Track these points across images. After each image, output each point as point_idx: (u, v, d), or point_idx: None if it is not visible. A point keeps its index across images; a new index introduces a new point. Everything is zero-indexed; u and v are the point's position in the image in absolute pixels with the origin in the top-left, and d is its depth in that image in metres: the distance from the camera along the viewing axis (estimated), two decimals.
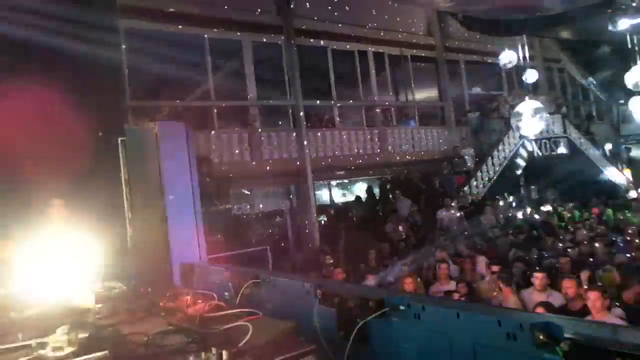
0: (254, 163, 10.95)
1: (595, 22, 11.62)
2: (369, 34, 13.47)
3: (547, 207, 13.56)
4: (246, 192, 12.63)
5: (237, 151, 10.80)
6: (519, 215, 12.17)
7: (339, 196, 16.78)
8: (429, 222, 11.48)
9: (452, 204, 11.53)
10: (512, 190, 14.29)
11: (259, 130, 11.27)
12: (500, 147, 13.70)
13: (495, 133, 14.16)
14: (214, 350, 1.38)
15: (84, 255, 2.53)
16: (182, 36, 10.51)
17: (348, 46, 13.18)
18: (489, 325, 1.36)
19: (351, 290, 1.92)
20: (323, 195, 16.39)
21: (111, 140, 4.64)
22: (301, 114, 11.60)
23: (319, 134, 12.15)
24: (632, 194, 14.89)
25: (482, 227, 10.49)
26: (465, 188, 12.82)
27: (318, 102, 12.68)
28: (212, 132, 10.56)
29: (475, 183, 12.99)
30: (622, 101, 15.69)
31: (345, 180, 16.39)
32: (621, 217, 10.19)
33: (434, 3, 12.28)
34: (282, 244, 12.20)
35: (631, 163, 18.16)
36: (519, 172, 14.30)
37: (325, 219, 14.43)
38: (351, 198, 15.13)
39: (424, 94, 15.35)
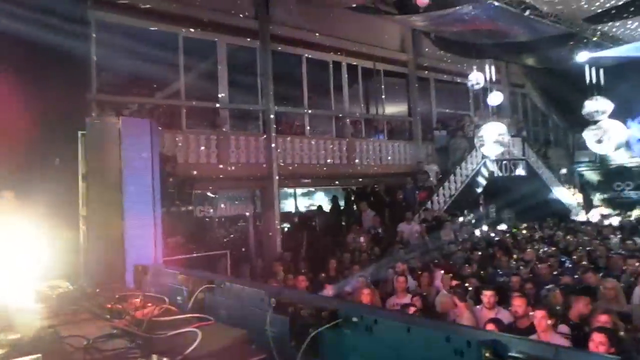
0: (220, 165, 10.82)
1: (558, 53, 12.22)
2: (344, 45, 13.63)
3: (503, 226, 14.03)
4: (210, 194, 12.44)
5: (204, 152, 10.65)
6: (477, 232, 12.53)
7: (304, 204, 16.78)
8: (390, 234, 11.63)
9: (413, 218, 11.73)
10: (472, 207, 14.70)
11: (228, 133, 11.16)
12: (463, 165, 14.09)
13: (459, 151, 14.55)
14: (155, 357, 1.33)
15: (31, 251, 2.41)
16: (156, 33, 10.32)
17: (323, 56, 13.28)
18: (438, 341, 1.38)
19: (306, 300, 1.91)
20: (288, 202, 16.35)
21: (71, 133, 4.47)
22: (271, 119, 11.57)
23: (287, 141, 12.14)
24: (582, 217, 15.61)
25: (440, 242, 10.71)
26: (428, 203, 13.08)
27: (289, 108, 12.68)
28: (180, 132, 10.37)
29: (437, 199, 13.28)
30: (577, 129, 16.49)
31: (311, 189, 16.42)
32: (570, 239, 10.62)
33: (409, 21, 12.56)
34: (243, 249, 12.06)
35: (583, 188, 19.08)
36: (479, 190, 14.73)
37: (289, 226, 14.39)
38: (316, 207, 15.17)
39: (394, 108, 15.62)
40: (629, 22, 9.83)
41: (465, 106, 17.33)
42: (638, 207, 16.67)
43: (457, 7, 9.45)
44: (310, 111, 12.94)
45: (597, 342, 3.73)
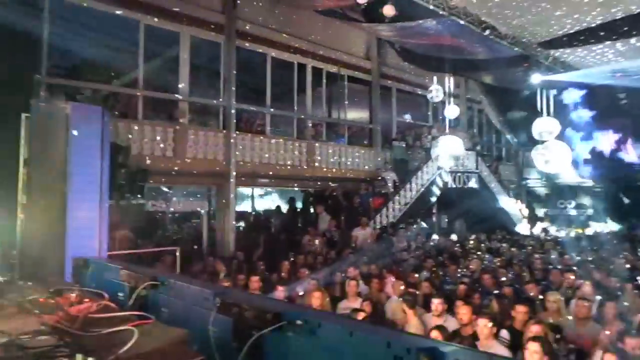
0: (176, 159, 10.54)
1: (513, 73, 12.79)
2: (310, 48, 13.66)
3: (454, 236, 14.47)
4: (165, 189, 12.10)
5: (159, 145, 10.33)
6: (429, 241, 12.84)
7: (261, 204, 16.66)
8: (345, 239, 11.72)
9: (368, 224, 11.89)
10: (426, 216, 15.08)
11: (186, 126, 10.90)
12: (419, 175, 14.44)
13: (416, 161, 14.91)
14: (79, 357, 1.25)
15: None
16: (116, 18, 9.94)
17: (288, 57, 13.25)
18: (379, 347, 1.39)
19: (250, 301, 1.87)
20: (245, 201, 16.17)
21: (14, 114, 4.21)
22: (232, 115, 11.41)
23: (247, 139, 12.00)
24: (526, 231, 16.36)
25: (393, 249, 10.90)
26: (383, 210, 13.30)
27: (251, 107, 12.55)
28: (135, 122, 10.03)
29: (392, 206, 13.52)
30: (528, 147, 17.31)
31: (269, 189, 16.33)
32: (515, 251, 11.08)
33: (375, 30, 12.77)
34: (196, 247, 11.81)
35: (529, 203, 20.04)
36: (433, 200, 15.14)
37: (244, 225, 14.23)
38: (273, 207, 15.09)
39: (356, 114, 15.81)
40: (579, 49, 10.46)
41: (424, 117, 17.81)
42: (576, 224, 17.68)
43: (422, 21, 9.70)
44: (272, 110, 12.86)
45: (532, 350, 3.91)
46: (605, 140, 17.50)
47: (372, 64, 15.45)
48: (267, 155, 12.29)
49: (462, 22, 8.81)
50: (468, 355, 1.26)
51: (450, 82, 10.81)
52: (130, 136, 9.63)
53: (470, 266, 8.95)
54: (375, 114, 15.53)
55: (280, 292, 6.57)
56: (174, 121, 10.86)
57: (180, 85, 10.95)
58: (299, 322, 1.67)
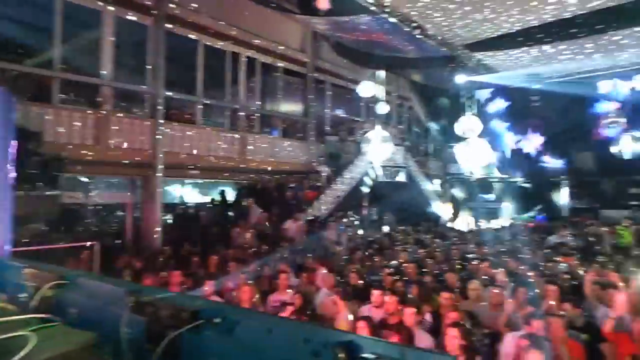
0: (97, 148, 9.87)
1: (440, 73, 13.41)
2: (245, 37, 13.37)
3: (384, 229, 14.94)
4: (84, 179, 11.31)
5: (78, 132, 9.62)
6: (360, 233, 13.15)
7: (191, 197, 16.13)
8: (277, 232, 11.68)
9: (300, 217, 11.94)
10: (356, 209, 15.42)
11: (109, 113, 10.23)
12: (351, 169, 14.72)
13: (348, 155, 15.18)
14: None
15: None
16: None
17: (221, 45, 12.87)
18: (297, 343, 1.38)
19: (167, 299, 1.78)
20: (173, 193, 15.58)
21: None
22: (160, 103, 10.88)
23: (176, 128, 11.52)
24: (449, 223, 17.31)
25: (324, 241, 11.04)
26: (316, 203, 13.41)
27: (180, 95, 12.05)
28: (50, 107, 9.24)
29: (325, 199, 13.67)
30: (452, 144, 18.27)
31: (200, 181, 15.84)
32: (438, 243, 11.65)
33: (310, 23, 12.76)
34: (118, 242, 11.19)
35: (453, 197, 21.20)
36: (363, 193, 15.51)
37: (172, 218, 13.71)
38: (203, 200, 14.68)
39: (290, 107, 15.76)
40: (499, 53, 11.18)
41: (357, 112, 18.15)
42: (494, 216, 18.99)
43: (355, 16, 9.84)
44: (203, 100, 12.45)
45: (451, 335, 4.15)
46: (522, 139, 18.91)
47: (307, 56, 15.46)
48: (197, 146, 11.89)
49: (393, 19, 9.06)
50: (382, 347, 1.28)
51: (382, 78, 11.08)
52: (44, 122, 8.86)
53: (400, 258, 9.27)
54: (310, 107, 15.58)
55: (208, 288, 6.41)
56: (95, 107, 10.14)
57: (103, 69, 10.25)
58: (217, 320, 1.61)
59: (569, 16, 8.55)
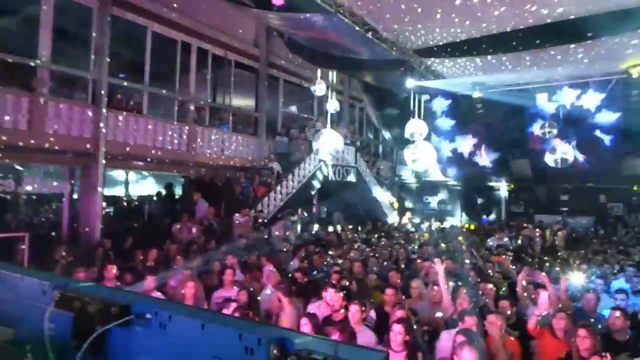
0: (32, 135, 9.26)
1: (391, 76, 13.71)
2: (196, 27, 13.02)
3: (332, 227, 15.08)
4: (18, 167, 10.60)
5: (10, 117, 8.97)
6: (309, 231, 13.20)
7: (136, 189, 15.53)
8: (225, 227, 11.49)
9: (249, 213, 11.81)
10: (306, 207, 15.48)
11: (46, 97, 9.61)
12: (302, 166, 14.73)
13: (300, 153, 15.18)
14: None
15: None
16: None
17: (172, 34, 12.46)
18: (231, 339, 1.36)
19: (94, 293, 1.70)
20: (117, 185, 14.95)
21: None
22: (103, 90, 10.37)
23: (121, 117, 11.03)
24: (396, 222, 17.77)
25: (272, 238, 10.99)
26: (265, 199, 13.31)
27: (126, 82, 11.54)
28: None
29: (274, 195, 13.60)
30: (402, 146, 18.73)
31: (145, 173, 15.29)
32: (384, 242, 11.93)
33: (265, 18, 12.63)
34: (53, 233, 10.58)
35: (400, 198, 21.79)
36: (314, 191, 15.59)
37: (115, 210, 13.16)
38: (149, 193, 14.18)
39: (242, 101, 15.53)
40: (446, 61, 11.60)
41: (309, 110, 18.20)
42: (437, 218, 19.69)
43: (309, 14, 9.85)
44: (150, 89, 11.99)
45: (396, 331, 4.27)
46: (465, 144, 19.72)
47: (261, 51, 15.29)
48: (142, 137, 11.45)
49: (346, 20, 9.15)
50: (315, 342, 1.28)
51: (333, 77, 11.17)
52: None
53: (350, 254, 9.40)
54: (262, 103, 15.43)
55: (149, 283, 6.20)
56: (31, 91, 9.49)
57: (40, 51, 9.62)
58: (148, 315, 1.56)
59: (510, 30, 9.05)
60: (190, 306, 3.44)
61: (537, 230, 14.63)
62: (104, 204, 11.31)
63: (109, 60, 10.52)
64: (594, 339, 4.11)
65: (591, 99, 16.17)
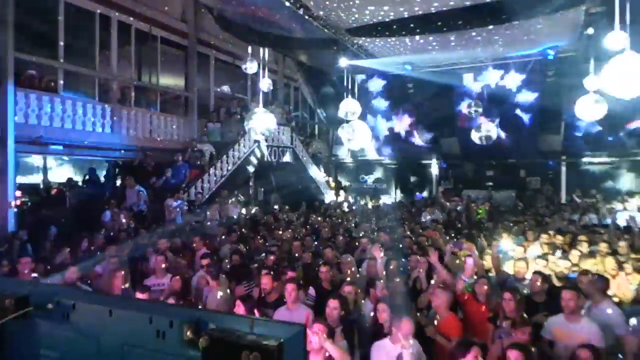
0: None
1: (324, 55, 13.64)
2: None
3: (270, 208, 14.97)
4: None
5: None
6: (244, 212, 12.98)
7: (56, 175, 14.42)
8: (157, 212, 11.01)
9: (181, 196, 11.40)
10: (242, 189, 15.21)
11: None
12: (236, 148, 14.39)
13: (233, 134, 14.81)
14: None
15: None
16: None
17: (87, 5, 11.50)
18: (140, 324, 1.27)
19: None
20: (34, 172, 13.81)
21: None
22: (10, 66, 9.39)
23: (33, 97, 10.10)
24: (333, 202, 17.99)
25: (206, 221, 10.72)
26: (199, 182, 12.89)
27: (34, 58, 10.52)
28: None
29: (208, 178, 13.21)
30: (337, 126, 18.86)
31: (66, 158, 14.23)
32: (322, 221, 12.04)
33: None
34: None
35: (337, 177, 22.09)
36: (250, 172, 15.34)
37: (32, 199, 12.15)
38: (71, 179, 13.21)
39: (170, 80, 14.81)
40: (377, 40, 11.71)
41: (243, 90, 17.75)
42: (373, 196, 20.23)
43: None
44: (66, 66, 11.06)
45: (332, 307, 4.35)
46: (401, 124, 20.26)
47: (189, 27, 14.59)
48: (60, 118, 10.59)
49: None
50: (230, 320, 1.23)
51: (265, 54, 10.90)
52: None
53: (283, 236, 9.37)
54: (192, 82, 14.81)
55: (71, 274, 5.81)
56: None
57: None
58: (50, 305, 1.42)
59: (434, 11, 9.31)
60: (97, 293, 3.26)
61: (458, 201, 15.60)
62: (18, 192, 10.39)
63: (15, 33, 9.51)
64: (516, 301, 4.48)
65: (512, 80, 17.20)
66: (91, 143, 11.56)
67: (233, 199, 13.34)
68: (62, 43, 10.83)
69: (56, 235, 9.06)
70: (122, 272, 6.08)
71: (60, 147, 11.33)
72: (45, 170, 14.13)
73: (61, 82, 10.99)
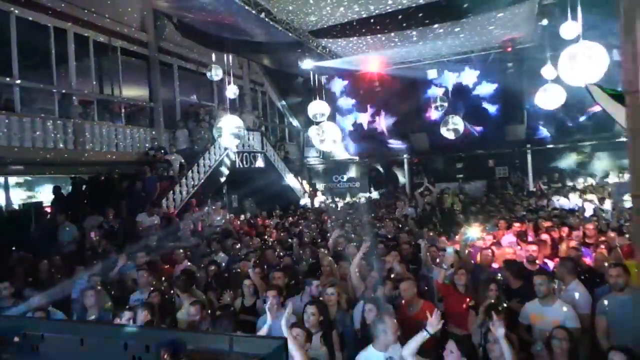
0: None
1: (289, 58, 13.63)
2: (70, 11, 11.75)
3: (244, 215, 14.79)
4: None
5: None
6: (219, 221, 12.77)
7: (20, 196, 13.85)
8: (128, 228, 10.71)
9: (153, 210, 11.14)
10: (216, 198, 15.00)
11: None
12: (206, 156, 14.18)
13: (202, 142, 14.59)
14: None
15: None
16: None
17: (40, 18, 11.12)
18: (114, 350, 1.22)
19: None
20: None
21: None
22: None
23: None
24: (308, 204, 17.97)
25: (180, 233, 10.52)
26: (170, 194, 12.63)
27: None
28: None
29: (179, 189, 12.96)
30: (307, 128, 18.87)
31: (28, 178, 13.71)
32: (299, 224, 11.98)
33: (151, 1, 11.74)
34: None
35: (310, 179, 22.07)
36: (222, 180, 15.15)
37: None
38: (36, 199, 12.72)
39: (134, 91, 14.47)
40: (339, 40, 11.80)
41: (210, 98, 17.51)
42: (347, 195, 20.31)
43: None
44: (21, 82, 10.65)
45: (310, 312, 4.41)
46: (364, 116, 20.36)
47: (149, 36, 14.28)
48: (18, 137, 10.18)
49: (238, 1, 8.82)
50: (208, 339, 1.20)
51: (229, 61, 10.80)
52: None
53: (254, 244, 9.25)
54: (156, 92, 14.50)
55: (40, 300, 5.59)
56: None
57: None
58: (15, 339, 1.34)
59: (392, 10, 9.45)
60: (67, 321, 3.13)
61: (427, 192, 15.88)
62: None
63: None
64: (499, 291, 4.81)
65: (469, 76, 17.71)
66: (53, 160, 11.16)
67: (206, 209, 13.10)
68: (16, 59, 10.42)
69: (19, 259, 8.67)
70: (93, 291, 5.90)
71: (21, 167, 10.89)
72: (7, 190, 13.55)
73: (18, 99, 10.57)
